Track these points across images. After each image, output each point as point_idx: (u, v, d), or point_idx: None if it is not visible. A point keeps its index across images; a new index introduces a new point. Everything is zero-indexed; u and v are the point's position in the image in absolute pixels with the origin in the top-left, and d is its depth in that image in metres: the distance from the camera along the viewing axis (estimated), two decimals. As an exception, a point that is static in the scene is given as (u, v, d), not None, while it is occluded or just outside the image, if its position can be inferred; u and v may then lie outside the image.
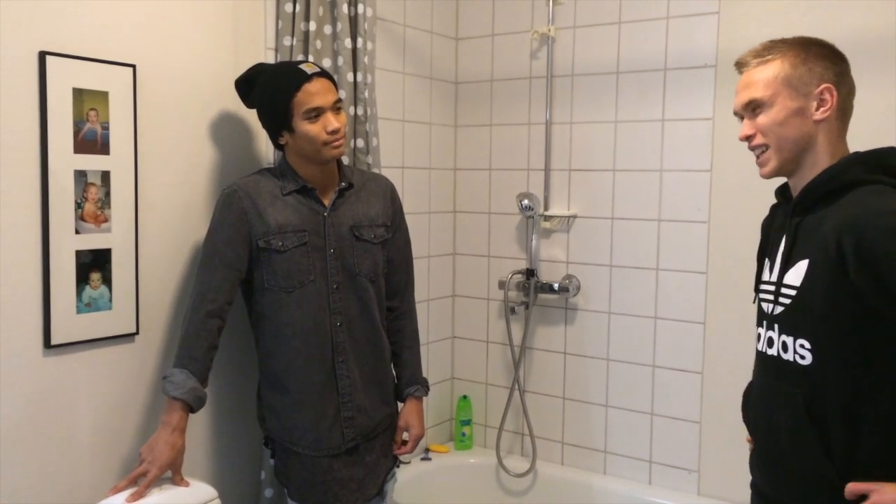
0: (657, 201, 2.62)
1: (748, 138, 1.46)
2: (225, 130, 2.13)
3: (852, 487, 1.31)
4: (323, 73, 1.91)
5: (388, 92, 2.69)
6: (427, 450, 2.95)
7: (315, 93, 1.86)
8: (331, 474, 1.94)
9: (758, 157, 1.47)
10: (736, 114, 1.50)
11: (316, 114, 1.86)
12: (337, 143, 1.89)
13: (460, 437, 3.03)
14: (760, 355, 1.51)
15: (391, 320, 2.13)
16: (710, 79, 2.49)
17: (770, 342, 1.46)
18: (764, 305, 1.50)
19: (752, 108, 1.44)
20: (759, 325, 1.52)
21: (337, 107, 1.90)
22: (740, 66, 1.48)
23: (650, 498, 2.62)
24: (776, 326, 1.44)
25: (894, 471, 1.32)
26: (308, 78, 1.87)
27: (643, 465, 2.69)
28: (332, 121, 1.87)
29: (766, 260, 1.53)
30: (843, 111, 1.44)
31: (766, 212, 1.64)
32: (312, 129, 1.86)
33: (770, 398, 1.46)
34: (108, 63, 1.83)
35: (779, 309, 1.44)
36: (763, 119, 1.42)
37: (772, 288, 1.47)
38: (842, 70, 1.43)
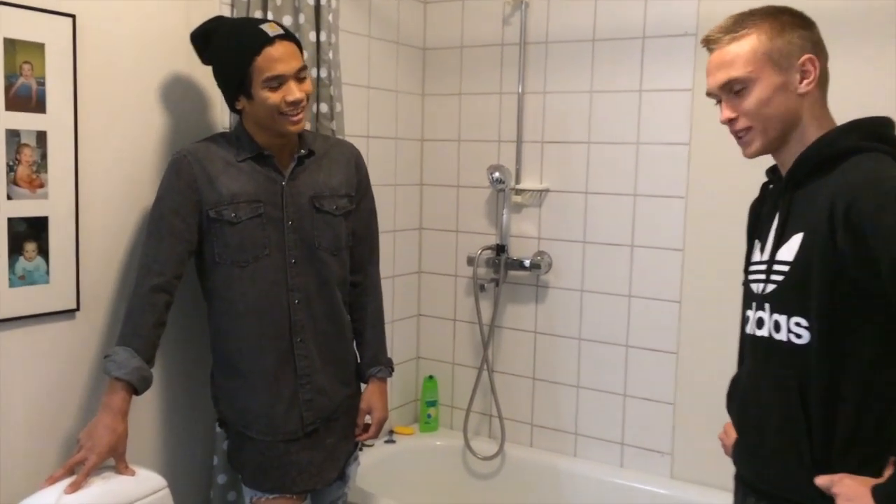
0: (633, 175, 2.58)
1: (730, 121, 1.41)
2: (177, 91, 2.01)
3: (819, 481, 1.29)
4: (287, 36, 1.77)
5: (353, 56, 2.60)
6: (391, 432, 2.91)
7: (277, 58, 1.73)
8: (287, 458, 1.87)
9: (741, 137, 1.41)
10: (710, 95, 1.44)
11: (278, 82, 1.73)
12: (296, 118, 1.77)
13: (426, 419, 2.99)
14: (749, 338, 1.45)
15: (354, 296, 2.05)
16: (691, 48, 2.44)
17: (760, 323, 1.41)
18: (754, 286, 1.44)
19: (731, 89, 1.38)
20: (748, 307, 1.46)
21: (301, 76, 1.77)
22: (710, 43, 1.42)
23: (622, 481, 2.60)
24: (767, 306, 1.39)
25: (867, 455, 1.29)
26: (270, 41, 1.73)
27: (615, 447, 2.67)
28: (293, 90, 1.74)
29: (756, 241, 1.48)
30: (824, 79, 1.40)
31: (747, 187, 1.58)
32: (272, 97, 1.74)
33: (760, 382, 1.41)
34: (44, 11, 1.71)
35: (770, 287, 1.38)
36: (748, 101, 1.37)
37: (763, 267, 1.41)
38: (817, 37, 1.40)
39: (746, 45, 1.36)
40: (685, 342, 2.51)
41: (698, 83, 2.43)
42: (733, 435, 1.51)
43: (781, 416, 1.35)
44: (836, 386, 1.30)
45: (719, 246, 2.37)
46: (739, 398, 1.49)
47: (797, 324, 1.33)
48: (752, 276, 1.45)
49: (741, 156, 1.46)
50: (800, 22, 1.39)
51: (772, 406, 1.38)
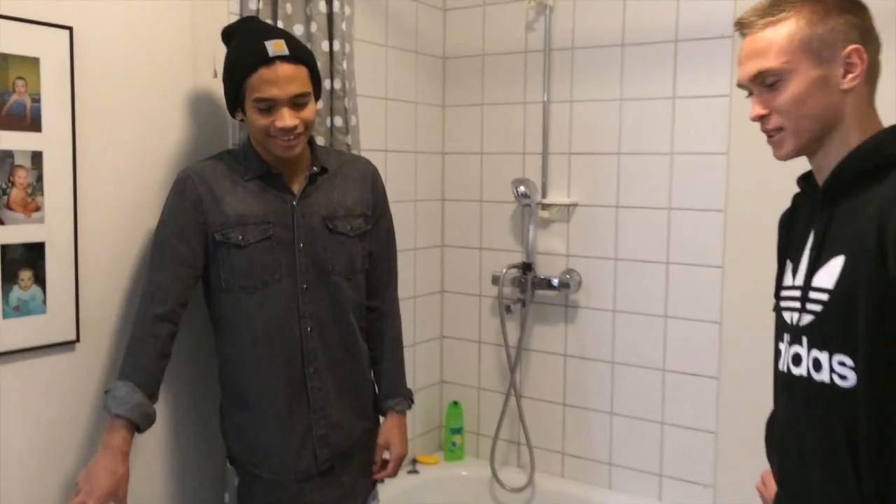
0: (667, 188, 2.51)
1: (761, 118, 1.27)
2: (182, 107, 1.94)
3: None
4: (291, 57, 1.64)
5: (369, 66, 2.54)
6: (414, 461, 2.83)
7: (271, 81, 1.61)
8: (301, 498, 1.77)
9: (771, 136, 1.27)
10: (741, 86, 1.30)
11: (267, 105, 1.63)
12: (287, 144, 1.66)
13: (450, 447, 2.92)
14: (784, 376, 1.29)
15: (371, 322, 1.95)
16: (727, 51, 2.35)
17: (797, 360, 1.25)
18: (786, 315, 1.28)
19: (763, 81, 1.24)
20: (780, 339, 1.31)
21: (299, 102, 1.65)
22: (743, 27, 1.27)
23: (660, 515, 2.52)
24: (804, 340, 1.23)
25: None
26: (268, 61, 1.62)
27: (652, 478, 2.57)
28: (284, 117, 1.63)
29: (788, 261, 1.32)
30: (873, 73, 1.25)
31: (789, 199, 1.44)
32: (259, 120, 1.64)
33: (800, 428, 1.25)
34: (40, 24, 1.64)
35: (807, 318, 1.22)
36: (782, 98, 1.22)
37: (797, 293, 1.25)
38: (867, 24, 1.24)
39: (783, 31, 1.22)
40: (727, 366, 2.41)
41: (736, 89, 2.30)
42: (772, 486, 1.36)
43: (827, 469, 1.20)
44: (890, 435, 1.15)
45: (761, 262, 2.21)
46: (779, 445, 1.33)
47: (841, 363, 1.18)
48: (784, 304, 1.30)
49: (783, 165, 1.32)
50: (847, 6, 1.23)
51: (815, 457, 1.22)
